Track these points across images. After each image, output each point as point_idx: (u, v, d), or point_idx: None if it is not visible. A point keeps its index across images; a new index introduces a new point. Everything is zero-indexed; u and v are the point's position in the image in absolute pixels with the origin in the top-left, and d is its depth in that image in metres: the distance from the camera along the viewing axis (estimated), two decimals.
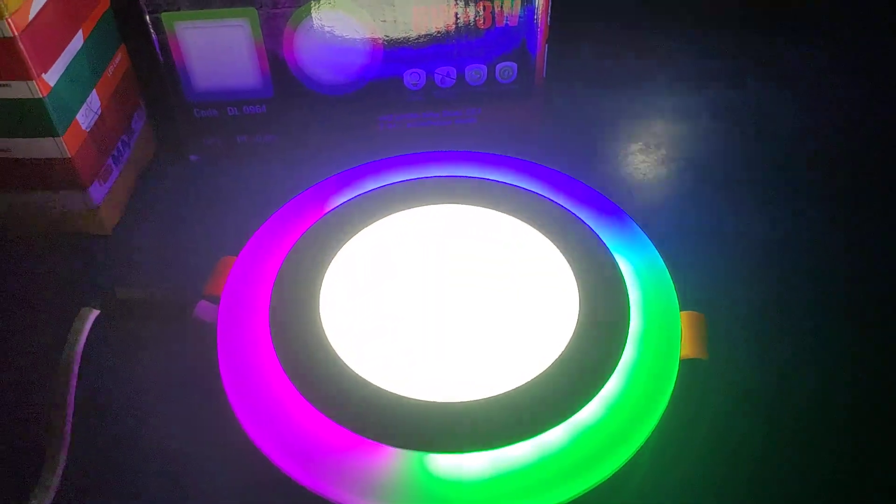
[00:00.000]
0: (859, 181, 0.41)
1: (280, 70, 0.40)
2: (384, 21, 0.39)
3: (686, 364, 0.30)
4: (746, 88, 0.47)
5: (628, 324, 0.30)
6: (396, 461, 0.26)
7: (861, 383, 0.32)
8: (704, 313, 0.31)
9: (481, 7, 0.39)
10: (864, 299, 0.35)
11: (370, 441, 0.27)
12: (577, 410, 0.27)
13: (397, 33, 0.39)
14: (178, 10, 0.37)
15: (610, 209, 0.34)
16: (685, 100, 0.47)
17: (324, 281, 0.32)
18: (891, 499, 0.29)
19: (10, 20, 0.30)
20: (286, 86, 0.41)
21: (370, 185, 0.36)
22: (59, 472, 0.28)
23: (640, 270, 0.32)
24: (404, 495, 0.25)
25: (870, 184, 0.41)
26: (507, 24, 0.40)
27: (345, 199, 0.35)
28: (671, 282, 0.31)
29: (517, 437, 0.26)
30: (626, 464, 0.27)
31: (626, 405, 0.28)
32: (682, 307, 0.31)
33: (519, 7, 0.39)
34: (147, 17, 0.37)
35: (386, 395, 0.28)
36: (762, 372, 0.33)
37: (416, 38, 0.40)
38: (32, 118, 0.33)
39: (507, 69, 0.41)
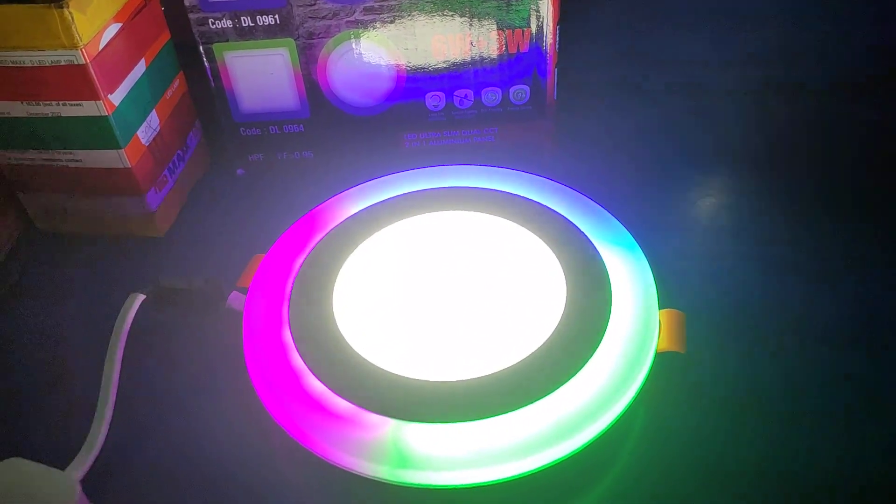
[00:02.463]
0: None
1: (315, 94, 0.45)
2: (406, 49, 0.43)
3: (666, 356, 0.32)
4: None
5: (609, 316, 0.32)
6: (386, 428, 0.30)
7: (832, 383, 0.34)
8: (686, 311, 0.33)
9: (494, 36, 0.43)
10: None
11: (366, 410, 0.30)
12: (548, 394, 0.30)
13: (419, 60, 0.44)
14: (227, 41, 0.43)
15: (601, 214, 0.37)
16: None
17: (338, 277, 0.36)
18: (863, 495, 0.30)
19: (83, 50, 0.36)
20: (321, 108, 0.45)
21: (386, 195, 0.40)
22: (104, 432, 0.32)
23: (625, 269, 0.34)
24: (389, 458, 0.29)
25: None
26: (518, 52, 0.43)
27: (362, 208, 0.39)
28: (653, 280, 0.34)
29: (486, 413, 0.29)
30: (601, 444, 0.29)
31: (598, 390, 0.30)
32: (666, 305, 0.33)
33: (529, 38, 0.43)
34: (201, 48, 0.43)
35: (380, 373, 0.31)
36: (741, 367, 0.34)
37: (436, 65, 0.44)
38: (99, 132, 0.39)
39: (520, 92, 0.45)
